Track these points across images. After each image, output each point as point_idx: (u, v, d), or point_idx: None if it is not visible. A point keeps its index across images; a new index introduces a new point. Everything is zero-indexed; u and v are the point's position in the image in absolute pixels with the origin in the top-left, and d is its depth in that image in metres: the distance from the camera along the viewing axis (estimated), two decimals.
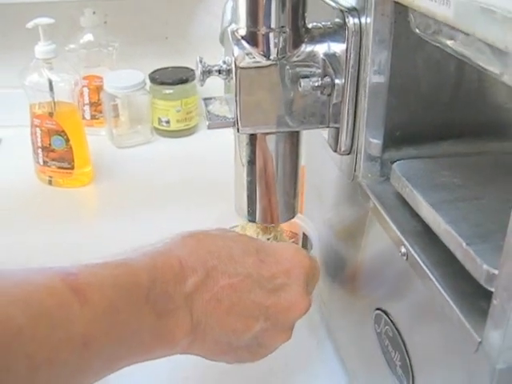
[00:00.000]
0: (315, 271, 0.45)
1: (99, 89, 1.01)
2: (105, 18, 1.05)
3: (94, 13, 1.01)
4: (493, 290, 0.28)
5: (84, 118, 1.02)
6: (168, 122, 1.01)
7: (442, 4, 0.28)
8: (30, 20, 0.86)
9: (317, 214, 0.57)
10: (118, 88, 0.96)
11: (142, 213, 0.81)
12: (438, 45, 0.32)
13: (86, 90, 1.02)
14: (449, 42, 0.30)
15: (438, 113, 0.44)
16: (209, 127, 0.46)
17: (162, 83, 0.99)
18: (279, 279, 0.41)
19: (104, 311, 0.33)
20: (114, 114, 0.98)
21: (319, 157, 0.54)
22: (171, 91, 0.99)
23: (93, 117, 1.03)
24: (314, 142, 0.55)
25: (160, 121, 1.01)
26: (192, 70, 1.01)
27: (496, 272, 0.28)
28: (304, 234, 0.56)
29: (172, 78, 1.00)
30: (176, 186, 0.88)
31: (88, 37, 1.02)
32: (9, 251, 0.72)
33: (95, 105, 1.03)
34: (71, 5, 1.02)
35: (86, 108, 1.03)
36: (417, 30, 0.35)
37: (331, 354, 0.55)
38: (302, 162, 0.50)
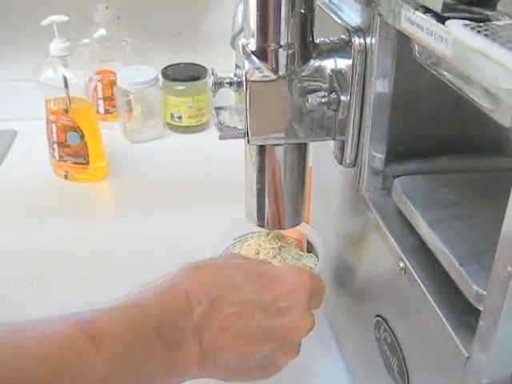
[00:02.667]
0: (319, 289, 0.46)
1: (113, 84, 1.03)
2: (118, 13, 1.07)
3: (107, 8, 1.03)
4: (481, 308, 0.30)
5: (98, 112, 1.04)
6: (180, 117, 1.03)
7: (440, 42, 0.29)
8: (43, 14, 0.88)
9: (322, 218, 0.59)
10: (131, 84, 0.98)
11: (154, 206, 0.84)
12: (436, 73, 0.34)
13: (99, 85, 1.04)
14: (446, 74, 0.32)
15: (438, 129, 0.45)
16: (220, 138, 0.48)
17: (174, 79, 1.01)
18: (282, 302, 0.43)
19: (119, 354, 0.36)
20: (128, 109, 1.00)
21: (326, 162, 0.56)
22: (183, 88, 1.01)
23: (106, 111, 1.06)
24: (322, 146, 0.56)
25: (172, 116, 1.03)
26: (204, 68, 1.03)
27: (484, 293, 0.30)
28: (308, 242, 0.59)
29: (184, 75, 1.02)
30: (188, 181, 0.91)
31: (101, 32, 1.04)
32: (27, 243, 0.76)
33: (109, 99, 1.05)
34: (85, 0, 1.04)
35: (100, 102, 1.05)
36: (418, 57, 0.37)
37: (336, 354, 0.57)
38: (310, 162, 0.52)
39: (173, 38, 1.10)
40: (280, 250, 0.54)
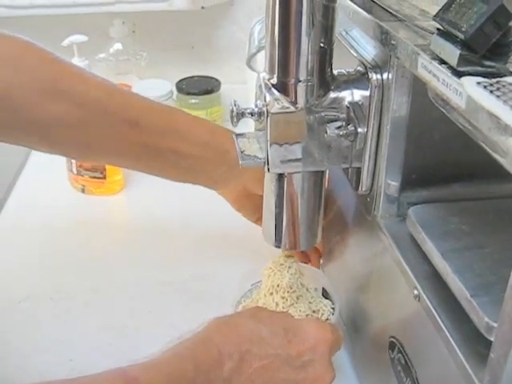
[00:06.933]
0: (337, 341, 0.51)
1: None
2: (133, 27, 1.10)
3: (123, 23, 1.06)
4: (492, 339, 0.32)
5: None
6: None
7: (455, 94, 0.32)
8: (62, 30, 0.91)
9: (337, 242, 0.61)
10: None
11: (171, 218, 0.86)
12: (448, 115, 0.36)
13: None
14: (460, 120, 0.35)
15: (451, 157, 0.47)
16: (241, 166, 0.50)
17: (188, 93, 1.04)
18: (306, 356, 0.47)
19: None
20: None
21: (341, 187, 0.59)
22: (197, 101, 1.04)
23: None
24: (337, 170, 0.59)
25: None
26: (217, 81, 1.06)
27: (495, 325, 0.32)
28: (324, 289, 0.62)
29: (198, 88, 1.04)
30: (204, 192, 0.93)
31: (117, 46, 1.06)
32: (45, 257, 0.78)
33: None
34: (101, 16, 1.06)
35: None
36: (432, 98, 0.39)
37: (350, 372, 0.59)
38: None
39: (187, 51, 1.12)
40: (298, 298, 0.57)
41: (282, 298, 0.56)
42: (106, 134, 0.60)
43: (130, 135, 0.60)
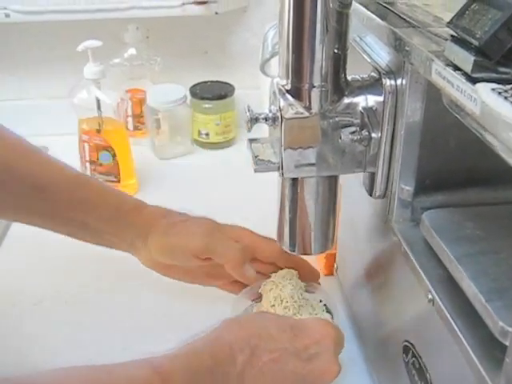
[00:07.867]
0: (341, 339, 0.53)
1: (142, 102, 1.06)
2: (147, 33, 1.11)
3: (137, 28, 1.07)
4: (507, 344, 0.32)
5: (127, 128, 1.07)
6: (207, 134, 1.06)
7: (470, 100, 0.32)
8: (76, 35, 0.92)
9: (350, 246, 0.62)
10: (161, 103, 1.01)
11: None
12: (463, 122, 0.37)
13: (129, 103, 1.07)
14: (474, 125, 0.35)
15: (464, 163, 0.48)
16: (255, 171, 0.51)
17: (202, 98, 1.04)
18: (312, 349, 0.50)
19: None
20: (156, 126, 1.04)
21: (355, 192, 0.59)
22: (211, 106, 1.04)
23: (135, 128, 1.09)
24: (351, 176, 0.59)
25: (200, 133, 1.07)
26: (231, 86, 1.06)
27: (510, 329, 0.32)
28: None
29: (211, 93, 1.05)
30: (216, 195, 0.93)
31: (131, 51, 1.08)
32: (60, 261, 0.78)
33: (138, 117, 1.08)
34: (115, 21, 1.07)
35: (129, 120, 1.09)
36: (446, 104, 0.39)
37: (365, 375, 0.59)
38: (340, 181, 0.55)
39: (200, 56, 1.13)
40: (299, 308, 0.58)
41: (285, 308, 0.58)
42: (12, 198, 0.60)
43: (36, 201, 0.61)
